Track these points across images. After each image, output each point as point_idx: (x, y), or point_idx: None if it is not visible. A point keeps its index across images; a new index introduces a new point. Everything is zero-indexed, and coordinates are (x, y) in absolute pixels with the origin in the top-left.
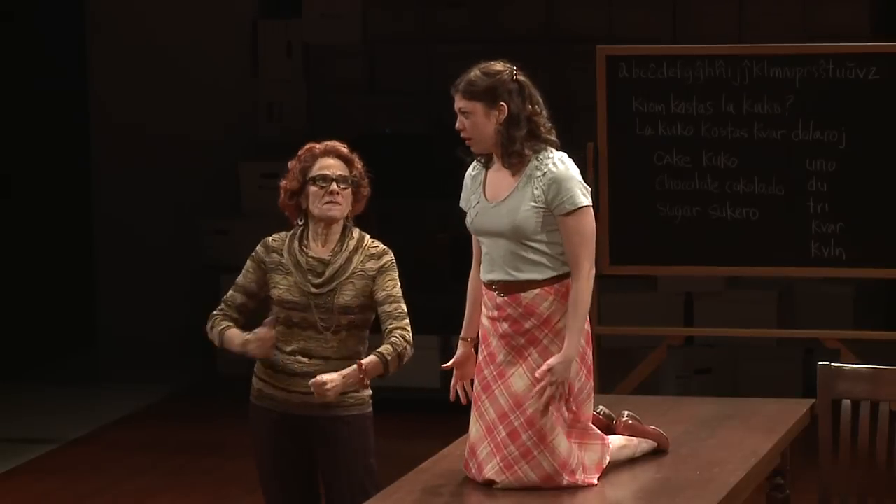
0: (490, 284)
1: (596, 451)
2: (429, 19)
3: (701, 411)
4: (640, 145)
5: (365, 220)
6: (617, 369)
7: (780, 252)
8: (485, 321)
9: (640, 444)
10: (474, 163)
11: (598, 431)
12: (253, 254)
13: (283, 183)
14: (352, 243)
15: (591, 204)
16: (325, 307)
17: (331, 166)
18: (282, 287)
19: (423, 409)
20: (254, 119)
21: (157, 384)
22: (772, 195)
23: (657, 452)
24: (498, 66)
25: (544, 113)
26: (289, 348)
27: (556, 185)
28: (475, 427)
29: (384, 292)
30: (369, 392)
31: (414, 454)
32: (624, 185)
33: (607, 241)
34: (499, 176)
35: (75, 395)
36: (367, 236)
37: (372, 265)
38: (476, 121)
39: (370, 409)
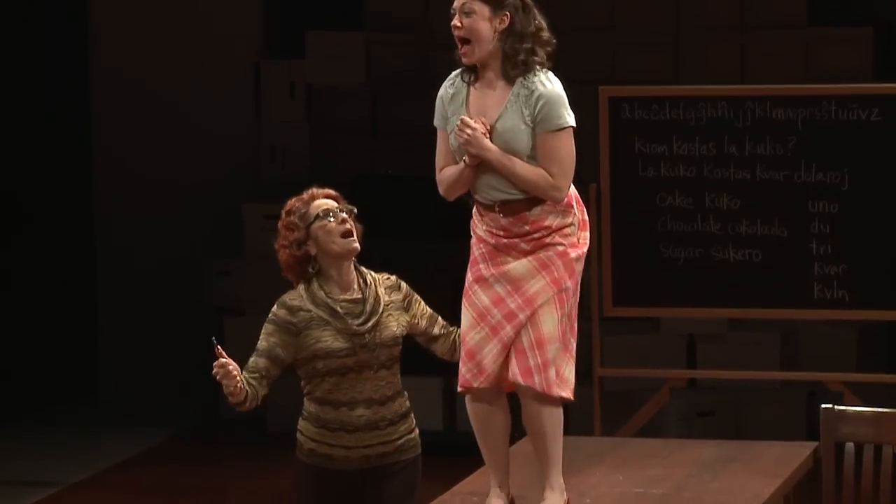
0: (491, 206)
1: (571, 367)
2: (432, 60)
3: (704, 454)
4: (643, 186)
5: (368, 260)
6: (619, 412)
7: (783, 294)
8: (482, 233)
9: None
10: (452, 80)
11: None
12: (272, 317)
13: (282, 242)
14: (368, 277)
15: (574, 126)
16: (373, 344)
17: (328, 203)
18: (327, 339)
19: (426, 452)
20: (257, 160)
21: (159, 427)
22: (774, 237)
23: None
24: None
25: (544, 34)
26: (346, 398)
27: (546, 103)
28: (472, 333)
29: (424, 317)
30: (417, 431)
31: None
32: (626, 226)
33: (610, 283)
34: (484, 94)
35: (77, 438)
36: (368, 270)
37: (396, 297)
38: (477, 23)
39: (420, 450)
